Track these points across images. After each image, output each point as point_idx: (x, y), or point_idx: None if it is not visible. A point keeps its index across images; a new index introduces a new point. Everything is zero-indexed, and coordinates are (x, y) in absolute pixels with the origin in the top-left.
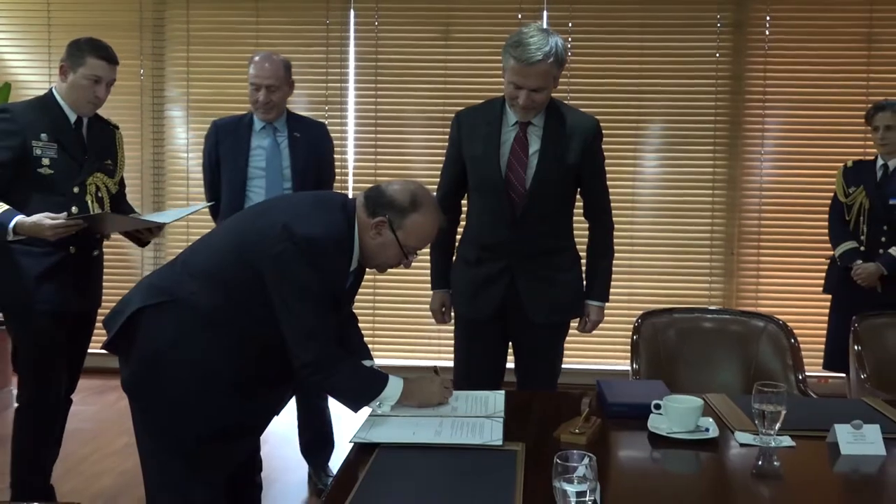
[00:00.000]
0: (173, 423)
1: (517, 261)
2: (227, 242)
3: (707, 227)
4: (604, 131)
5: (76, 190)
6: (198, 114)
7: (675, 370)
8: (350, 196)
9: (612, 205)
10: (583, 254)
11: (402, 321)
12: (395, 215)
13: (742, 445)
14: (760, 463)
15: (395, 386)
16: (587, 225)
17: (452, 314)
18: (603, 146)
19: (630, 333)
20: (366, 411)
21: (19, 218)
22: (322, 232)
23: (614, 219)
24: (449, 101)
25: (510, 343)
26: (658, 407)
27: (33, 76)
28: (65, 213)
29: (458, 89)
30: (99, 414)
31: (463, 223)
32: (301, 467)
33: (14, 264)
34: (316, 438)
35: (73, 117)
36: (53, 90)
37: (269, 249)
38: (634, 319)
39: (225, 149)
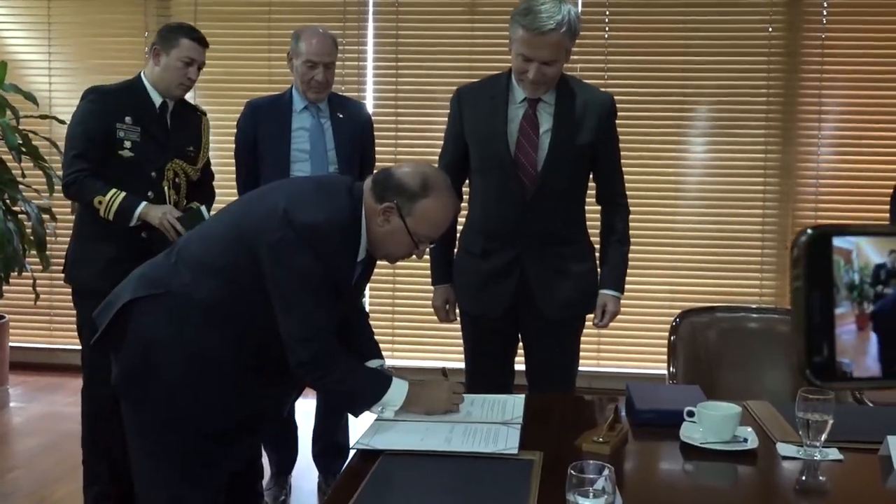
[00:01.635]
0: (166, 422)
1: (527, 251)
2: (223, 230)
3: (758, 219)
4: (645, 113)
5: (153, 174)
6: (206, 93)
7: (716, 374)
8: (358, 181)
9: (653, 194)
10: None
11: (424, 319)
12: (404, 201)
13: (784, 458)
14: (804, 478)
15: (398, 389)
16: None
17: (458, 311)
18: (644, 130)
19: (668, 334)
20: (372, 416)
21: (146, 205)
22: (324, 218)
23: (655, 208)
24: (475, 78)
25: (521, 341)
26: (691, 414)
27: (32, 54)
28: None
29: (484, 66)
30: None
31: (465, 211)
32: (312, 474)
33: (88, 246)
34: (330, 445)
35: (157, 102)
36: (142, 74)
37: (267, 237)
38: (672, 319)
39: (265, 131)
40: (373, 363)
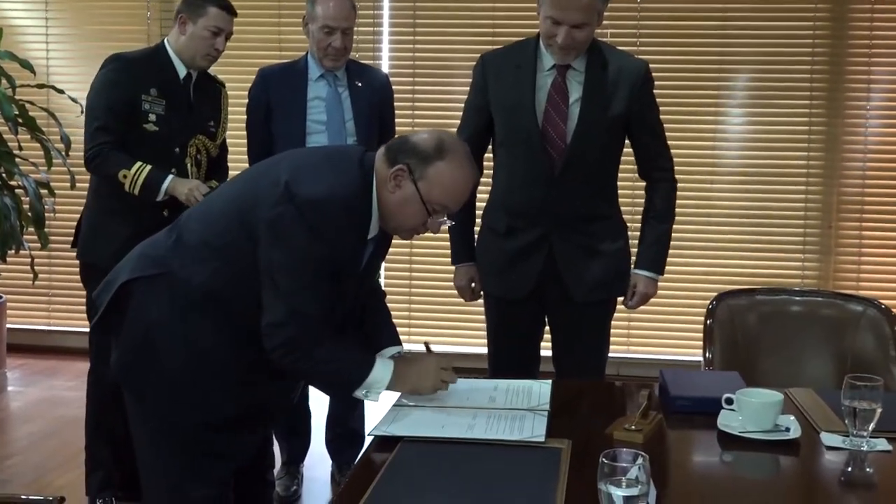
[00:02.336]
0: (169, 411)
1: (555, 228)
2: (224, 206)
3: (801, 196)
4: (680, 82)
5: (177, 150)
6: None
7: (755, 360)
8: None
9: (689, 168)
10: (630, 223)
11: (443, 300)
12: (417, 163)
13: (829, 448)
14: (850, 469)
15: (382, 370)
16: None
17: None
18: (678, 100)
19: (703, 317)
20: (387, 402)
21: (173, 179)
22: (328, 192)
23: (690, 184)
24: (498, 45)
25: (547, 324)
26: (730, 402)
27: (28, 20)
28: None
29: (508, 32)
30: None
31: (487, 187)
32: (325, 463)
33: (104, 222)
34: (345, 433)
35: (182, 73)
36: (166, 42)
37: (266, 212)
38: (709, 301)
39: (278, 101)
40: (389, 351)
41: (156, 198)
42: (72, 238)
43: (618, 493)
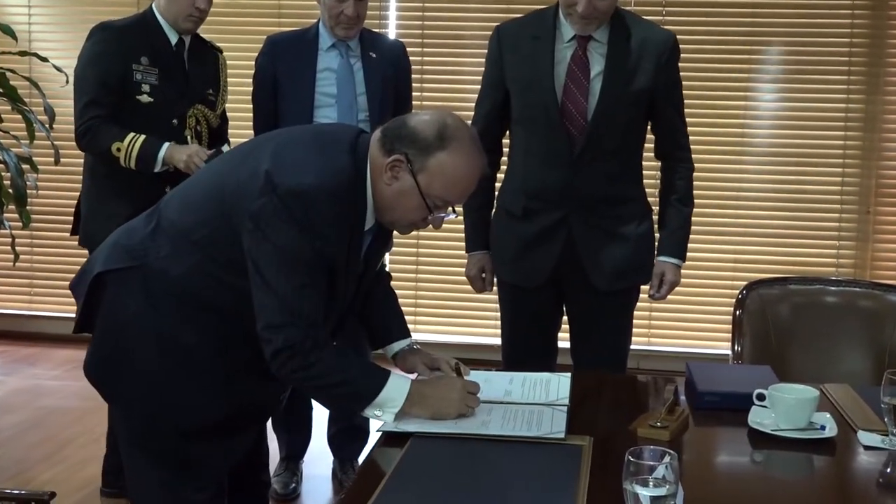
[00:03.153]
0: (146, 416)
1: (575, 211)
2: (204, 194)
3: (836, 179)
4: (708, 55)
5: (175, 122)
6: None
7: (788, 354)
8: (367, 132)
9: (716, 148)
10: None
11: (452, 288)
12: (415, 152)
13: (866, 448)
14: (889, 471)
15: (397, 388)
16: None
17: (495, 280)
18: (706, 75)
19: (732, 308)
20: None
21: (170, 146)
22: (314, 181)
23: (719, 165)
24: (512, 14)
25: (565, 314)
26: (762, 398)
27: None
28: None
29: (524, 1)
30: (85, 391)
31: (504, 167)
32: (325, 459)
33: (102, 203)
34: (349, 428)
35: (174, 39)
36: (154, 8)
37: (248, 204)
38: (738, 291)
39: (285, 71)
40: (397, 345)
41: (153, 169)
42: (70, 225)
43: (645, 493)
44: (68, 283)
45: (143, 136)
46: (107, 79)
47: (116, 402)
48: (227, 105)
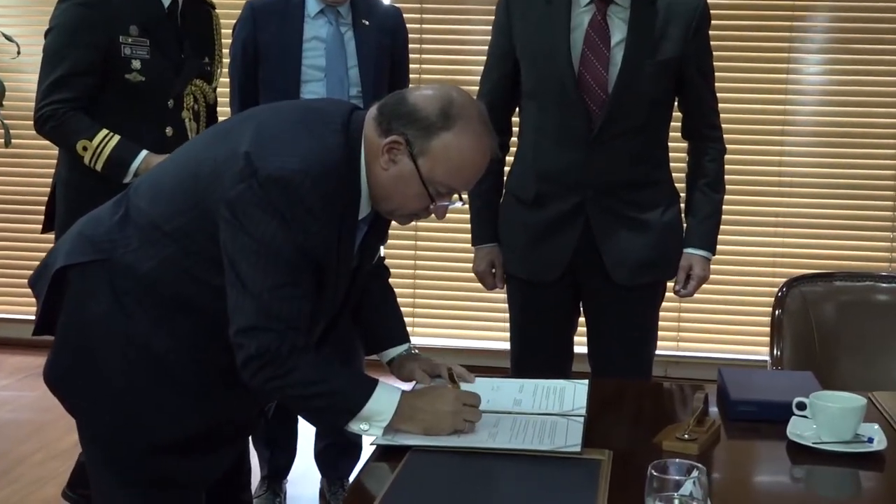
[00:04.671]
0: (113, 429)
1: (593, 196)
2: (178, 178)
3: (891, 163)
4: (744, 22)
5: (171, 104)
6: None
7: (833, 359)
8: (361, 108)
9: (754, 128)
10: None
11: (452, 286)
12: (416, 133)
13: None
14: None
15: (385, 400)
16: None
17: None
18: (742, 45)
19: (770, 308)
20: None
21: (148, 155)
22: (299, 166)
23: (756, 146)
24: None
25: (582, 313)
26: (802, 407)
27: None
28: None
29: None
30: (41, 402)
31: (513, 148)
32: (312, 478)
33: (85, 201)
34: (338, 443)
35: (166, 1)
36: None
37: (225, 190)
38: (777, 288)
39: (267, 40)
40: (393, 351)
41: (123, 178)
42: (42, 221)
43: None
44: (20, 280)
45: (117, 138)
46: (85, 54)
47: (80, 413)
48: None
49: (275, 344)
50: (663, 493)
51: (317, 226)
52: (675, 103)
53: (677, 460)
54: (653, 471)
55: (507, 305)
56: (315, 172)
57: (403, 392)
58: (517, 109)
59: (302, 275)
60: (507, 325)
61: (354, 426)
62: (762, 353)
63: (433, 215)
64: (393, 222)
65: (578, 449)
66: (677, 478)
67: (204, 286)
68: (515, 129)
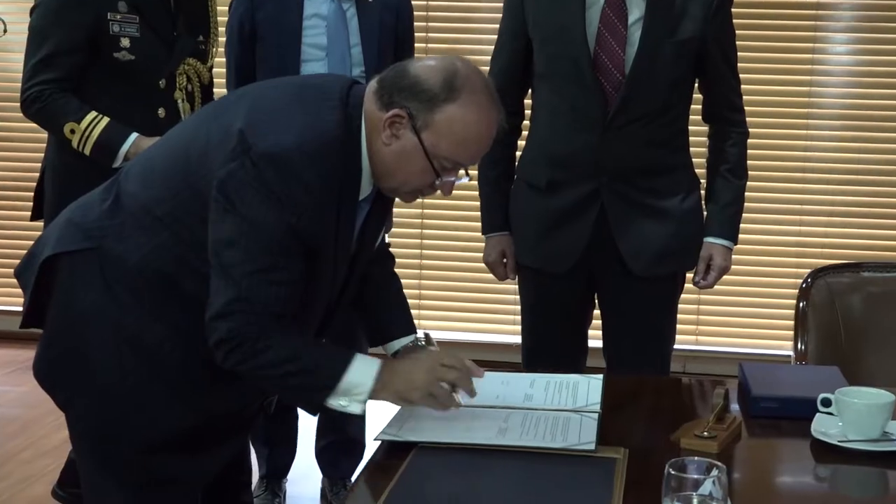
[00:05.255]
0: (107, 424)
1: (608, 183)
2: (169, 160)
3: None
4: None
5: (162, 84)
6: None
7: (860, 353)
8: (360, 83)
9: (776, 111)
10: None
11: (460, 279)
12: (419, 106)
13: None
14: None
15: (363, 371)
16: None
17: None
18: (765, 23)
19: (794, 300)
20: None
21: (139, 138)
22: (294, 142)
23: (779, 130)
24: None
25: (597, 305)
26: (827, 403)
27: None
28: None
29: None
30: (28, 397)
31: (525, 132)
32: (313, 478)
33: (77, 186)
34: (340, 442)
35: None
36: None
37: (216, 169)
38: (802, 279)
39: (265, 18)
40: (398, 343)
41: (112, 163)
42: (30, 208)
43: None
44: (6, 270)
45: (106, 119)
46: (71, 32)
47: (71, 409)
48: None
49: (244, 327)
50: (681, 492)
51: (313, 205)
52: (696, 85)
53: (696, 459)
54: (671, 469)
55: (517, 297)
56: (312, 149)
57: (383, 361)
58: (529, 91)
59: (289, 260)
60: (517, 318)
61: (334, 402)
62: (785, 348)
63: (438, 192)
64: (395, 212)
65: (593, 447)
66: (696, 477)
67: (196, 275)
68: (527, 113)
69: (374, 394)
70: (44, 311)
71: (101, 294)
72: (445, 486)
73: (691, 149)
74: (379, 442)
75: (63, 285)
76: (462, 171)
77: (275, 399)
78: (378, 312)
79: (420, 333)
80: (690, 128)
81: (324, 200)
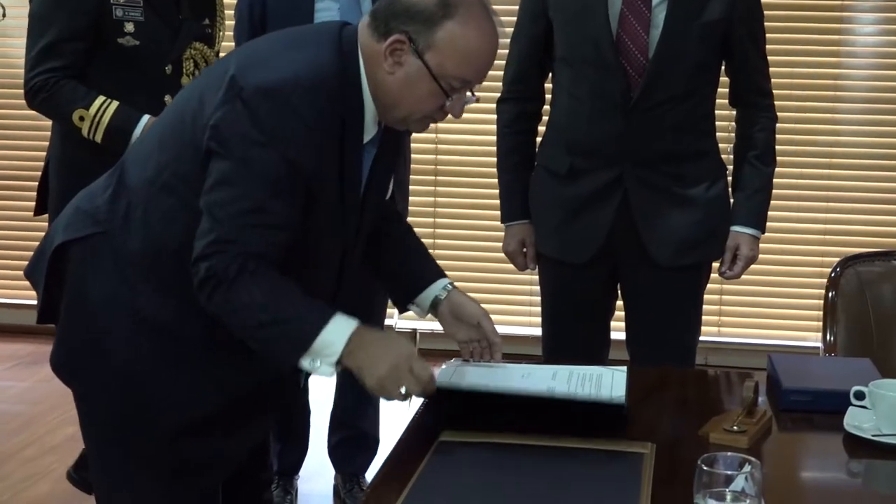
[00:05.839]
0: (130, 411)
1: (631, 170)
2: (166, 128)
3: None
4: None
5: (168, 70)
6: None
7: (892, 344)
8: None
9: (804, 94)
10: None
11: (474, 269)
12: (418, 28)
13: None
14: None
15: (339, 331)
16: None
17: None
18: (791, 3)
19: (819, 289)
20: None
21: (150, 121)
22: (287, 75)
23: (805, 114)
24: None
25: (620, 297)
26: (861, 396)
27: None
28: None
29: None
30: (32, 393)
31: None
32: (325, 474)
33: (83, 180)
34: (353, 437)
35: None
36: None
37: (209, 117)
38: (830, 268)
39: (276, 1)
40: (431, 291)
41: (125, 148)
42: (34, 204)
43: None
44: (7, 262)
45: (116, 104)
46: (73, 19)
47: (92, 399)
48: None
49: (223, 265)
50: (713, 488)
51: (312, 142)
52: (723, 68)
53: (729, 454)
54: (703, 465)
55: (532, 288)
56: (306, 83)
57: (360, 325)
58: (550, 76)
59: (282, 202)
60: (532, 308)
61: (305, 361)
62: (810, 339)
63: (449, 115)
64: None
65: (623, 401)
66: (728, 472)
67: None
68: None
69: (343, 357)
70: (57, 305)
71: (113, 279)
72: (469, 483)
73: (718, 134)
74: (397, 437)
75: (75, 274)
76: (469, 94)
77: (306, 378)
78: (399, 267)
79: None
80: (718, 112)
81: (324, 138)
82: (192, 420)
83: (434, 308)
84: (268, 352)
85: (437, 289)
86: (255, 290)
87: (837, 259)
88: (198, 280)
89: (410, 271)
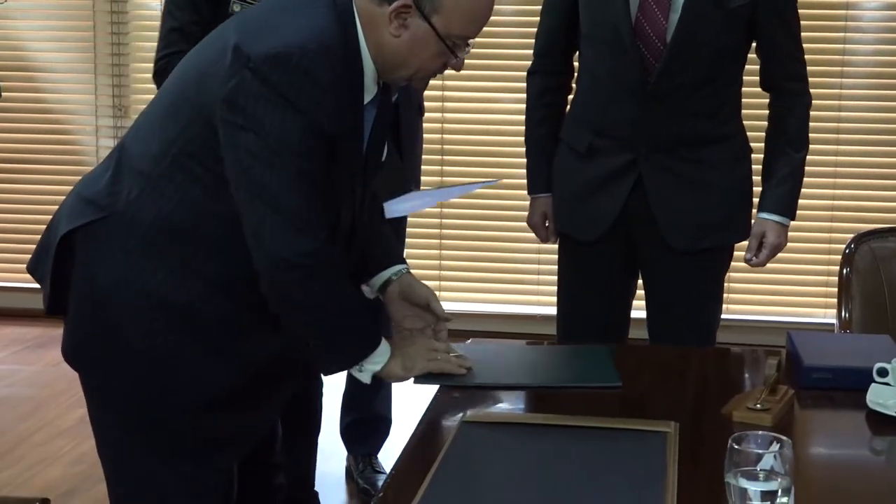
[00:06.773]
0: (138, 399)
1: (647, 154)
2: (167, 103)
3: None
4: None
5: None
6: None
7: None
8: None
9: (810, 69)
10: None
11: (480, 248)
12: None
13: None
14: None
15: (384, 346)
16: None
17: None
18: None
19: (827, 266)
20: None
21: None
22: (293, 39)
23: (812, 89)
24: None
25: (640, 277)
26: (884, 373)
27: None
28: None
29: None
30: (41, 376)
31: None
32: (338, 456)
33: None
34: (366, 419)
35: None
36: None
37: (218, 91)
38: (844, 245)
39: None
40: (390, 271)
41: None
42: (37, 186)
43: (753, 487)
44: (13, 246)
45: None
46: (199, 5)
47: (107, 388)
48: None
49: (304, 242)
50: (745, 467)
51: (329, 103)
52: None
53: (760, 432)
54: (734, 444)
55: (539, 268)
56: (314, 47)
57: (387, 341)
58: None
59: (318, 164)
60: (540, 287)
61: (354, 369)
62: (819, 316)
63: (451, 69)
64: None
65: (619, 382)
66: (759, 451)
67: (216, 218)
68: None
69: (384, 370)
70: (66, 295)
71: (120, 264)
72: (495, 463)
73: (745, 111)
74: (409, 418)
75: (82, 262)
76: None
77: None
78: (365, 248)
79: (453, 302)
80: (747, 89)
81: (339, 100)
82: (214, 397)
83: (383, 290)
84: (327, 351)
85: (391, 271)
86: (337, 280)
87: (844, 235)
88: (272, 260)
89: (372, 254)
